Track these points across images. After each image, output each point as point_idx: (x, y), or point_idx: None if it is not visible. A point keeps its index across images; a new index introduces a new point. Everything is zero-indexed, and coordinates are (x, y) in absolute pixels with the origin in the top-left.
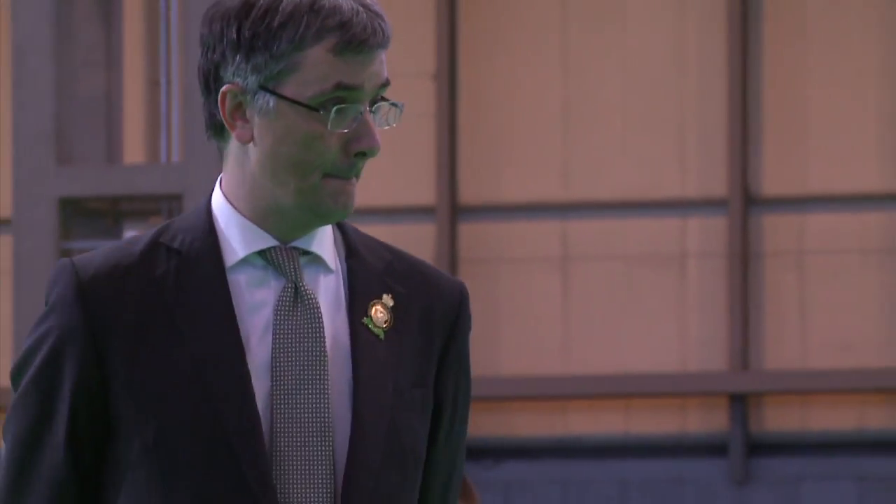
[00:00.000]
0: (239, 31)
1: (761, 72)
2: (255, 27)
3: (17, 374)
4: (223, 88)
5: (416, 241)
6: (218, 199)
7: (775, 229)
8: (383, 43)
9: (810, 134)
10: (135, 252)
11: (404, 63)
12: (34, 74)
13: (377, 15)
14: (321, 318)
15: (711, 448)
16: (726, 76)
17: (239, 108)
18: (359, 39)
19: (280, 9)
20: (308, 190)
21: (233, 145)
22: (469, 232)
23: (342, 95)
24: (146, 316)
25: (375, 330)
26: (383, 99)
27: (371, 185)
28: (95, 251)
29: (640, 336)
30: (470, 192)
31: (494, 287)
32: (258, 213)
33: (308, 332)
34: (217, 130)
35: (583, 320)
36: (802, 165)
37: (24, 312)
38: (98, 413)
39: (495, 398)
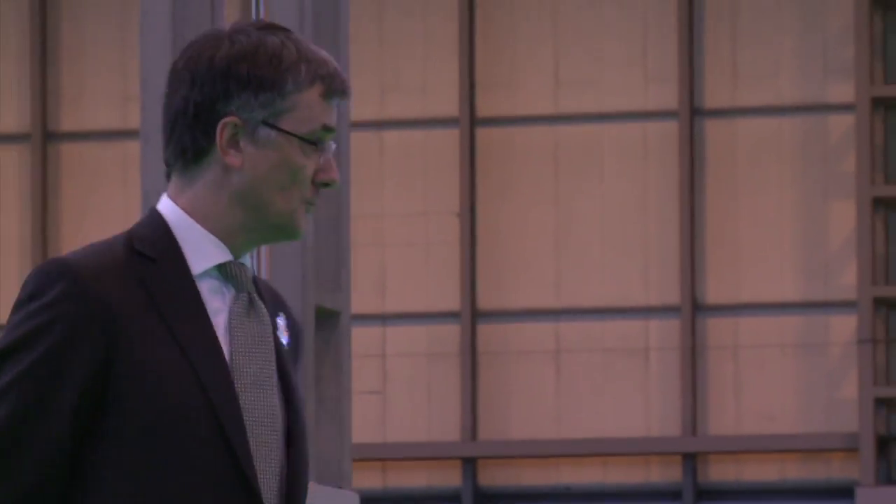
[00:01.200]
0: (249, 71)
1: (705, 211)
2: (264, 69)
3: (8, 356)
4: (225, 120)
5: (445, 338)
6: (174, 213)
7: (717, 328)
8: (348, 95)
9: (742, 257)
10: (118, 256)
11: (435, 203)
12: None
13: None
14: (269, 324)
15: (668, 494)
16: (678, 214)
17: (233, 139)
18: (341, 89)
19: (283, 56)
20: (287, 213)
21: (210, 170)
22: (485, 331)
23: (322, 135)
24: (137, 312)
25: (282, 339)
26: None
27: (407, 294)
28: (77, 252)
29: (614, 409)
30: (486, 300)
31: (505, 372)
32: (223, 230)
33: (261, 336)
34: (197, 155)
35: (571, 397)
36: (737, 281)
37: None
38: (98, 394)
39: (506, 457)
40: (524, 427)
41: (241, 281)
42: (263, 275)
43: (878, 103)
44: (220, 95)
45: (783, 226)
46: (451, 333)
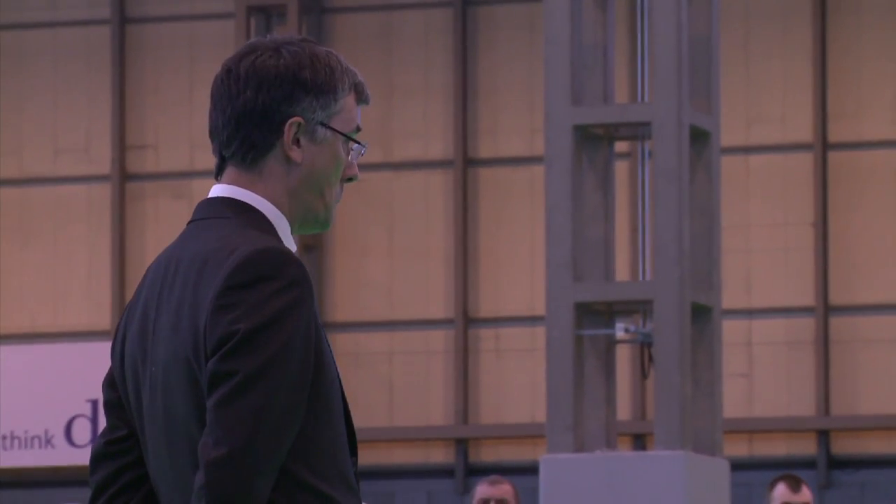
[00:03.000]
0: (311, 77)
1: None
2: (322, 76)
3: (268, 328)
4: (291, 120)
5: (802, 329)
6: (262, 204)
7: None
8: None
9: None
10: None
11: (793, 215)
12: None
13: None
14: None
15: None
16: None
17: (295, 137)
18: (368, 95)
19: (333, 65)
20: (329, 206)
21: (276, 164)
22: (836, 323)
23: (354, 133)
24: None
25: None
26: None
27: (769, 291)
28: (266, 240)
29: None
30: (837, 296)
31: (854, 357)
32: (294, 219)
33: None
34: (264, 150)
35: None
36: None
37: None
38: (316, 356)
39: (855, 429)
40: (872, 402)
41: None
42: (647, 277)
43: None
44: (285, 98)
45: None
46: (807, 325)
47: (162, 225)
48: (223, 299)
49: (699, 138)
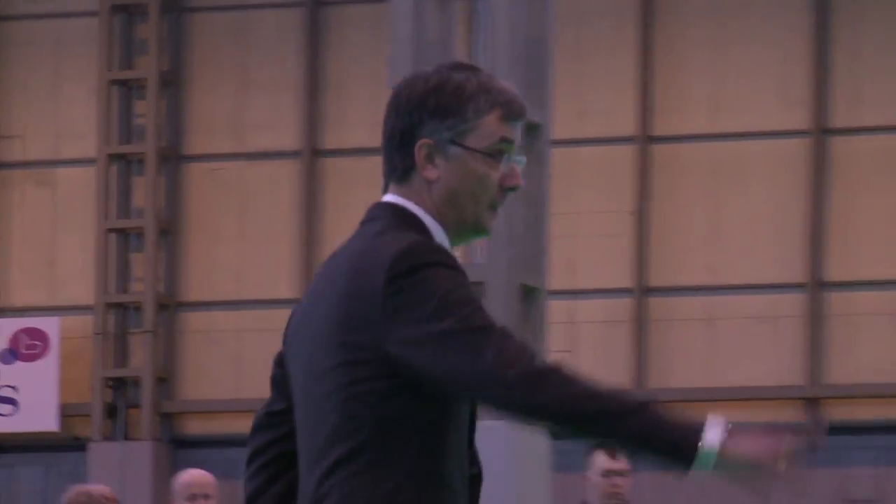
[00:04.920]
0: (436, 102)
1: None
2: (448, 100)
3: (454, 292)
4: (420, 142)
5: (620, 310)
6: (421, 213)
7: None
8: (526, 116)
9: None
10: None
11: (615, 204)
12: None
13: (523, 99)
14: None
15: None
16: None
17: (429, 157)
18: (517, 112)
19: (465, 88)
20: (477, 214)
21: (416, 182)
22: (654, 303)
23: (503, 147)
24: None
25: None
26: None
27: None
28: (410, 236)
29: None
30: (655, 279)
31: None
32: (449, 228)
33: None
34: (405, 171)
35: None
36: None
37: None
38: None
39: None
40: (684, 377)
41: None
42: (481, 259)
43: None
44: (415, 123)
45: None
46: (625, 305)
47: (27, 211)
48: (389, 298)
49: (531, 131)
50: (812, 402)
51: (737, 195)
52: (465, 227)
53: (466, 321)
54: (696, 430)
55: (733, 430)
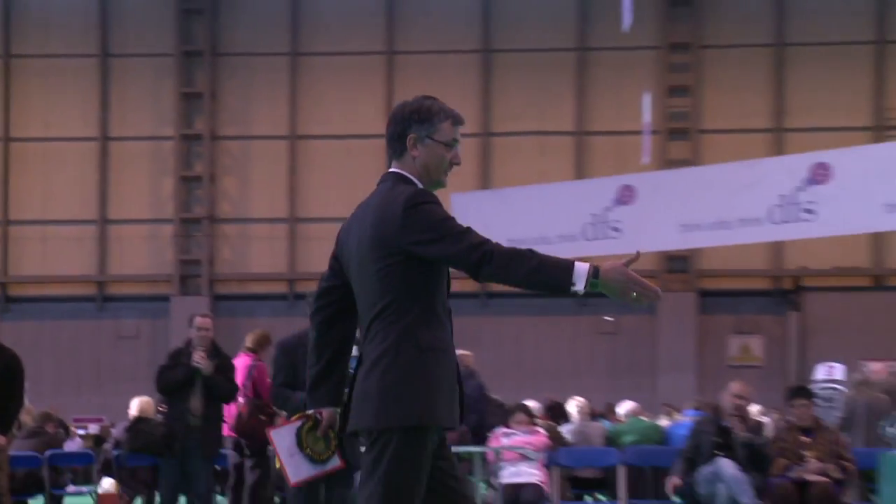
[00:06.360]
0: (418, 116)
1: None
2: (424, 114)
3: (441, 215)
4: (409, 136)
5: None
6: (411, 177)
7: None
8: (463, 123)
9: None
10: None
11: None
12: None
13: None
14: None
15: None
16: None
17: (414, 145)
18: (461, 121)
19: (432, 108)
20: (441, 176)
21: (407, 159)
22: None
23: (453, 142)
24: None
25: None
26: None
27: None
28: (417, 188)
29: None
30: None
31: None
32: (423, 184)
33: None
34: (401, 153)
35: None
36: None
37: None
38: None
39: None
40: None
41: None
42: None
43: None
44: (406, 126)
45: None
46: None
47: None
48: (405, 219)
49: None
50: None
51: None
52: (433, 183)
53: (451, 228)
54: (573, 263)
55: (605, 265)
